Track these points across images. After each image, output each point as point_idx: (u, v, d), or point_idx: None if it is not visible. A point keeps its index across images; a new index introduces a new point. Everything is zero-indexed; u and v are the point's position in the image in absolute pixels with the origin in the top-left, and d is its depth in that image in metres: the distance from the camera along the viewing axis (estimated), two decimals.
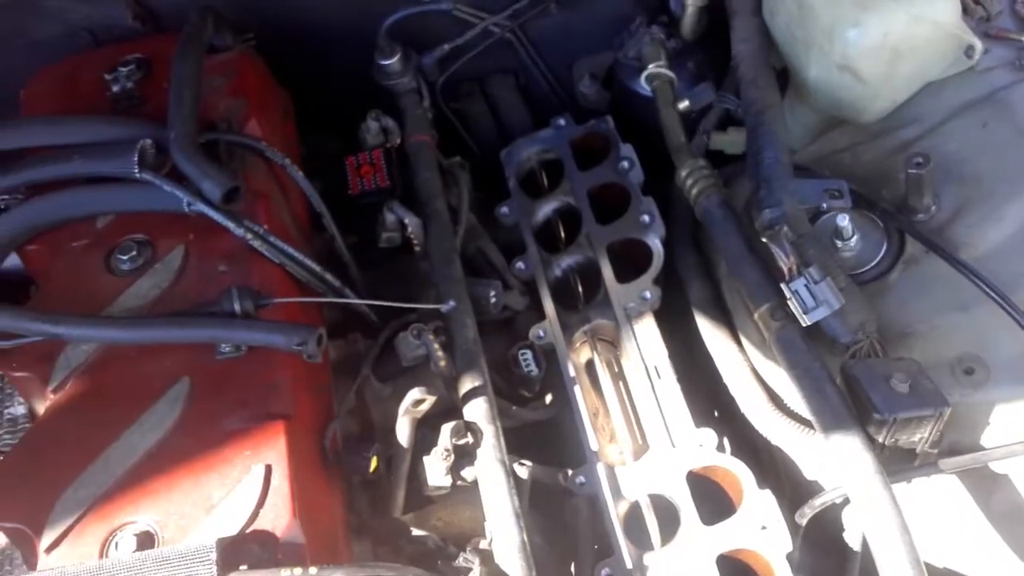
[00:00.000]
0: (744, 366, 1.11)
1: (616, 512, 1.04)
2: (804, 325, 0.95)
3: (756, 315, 1.03)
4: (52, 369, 1.00)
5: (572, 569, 1.03)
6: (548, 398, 1.18)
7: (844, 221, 1.04)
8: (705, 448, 1.06)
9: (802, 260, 0.95)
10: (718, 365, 1.14)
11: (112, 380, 0.99)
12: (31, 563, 0.89)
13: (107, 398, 0.98)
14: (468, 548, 0.95)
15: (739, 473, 1.02)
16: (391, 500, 1.01)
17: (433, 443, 1.03)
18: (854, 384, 0.93)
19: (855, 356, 0.97)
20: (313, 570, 0.84)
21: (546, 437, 1.12)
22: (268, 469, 0.91)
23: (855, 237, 1.05)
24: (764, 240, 0.99)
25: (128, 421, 0.96)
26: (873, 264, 1.06)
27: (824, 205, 1.03)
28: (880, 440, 0.92)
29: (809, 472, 1.07)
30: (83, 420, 0.98)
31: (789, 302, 0.95)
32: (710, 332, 1.16)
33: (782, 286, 0.95)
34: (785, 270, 0.95)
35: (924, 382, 0.93)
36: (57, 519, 0.90)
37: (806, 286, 0.93)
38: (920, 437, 0.93)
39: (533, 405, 1.17)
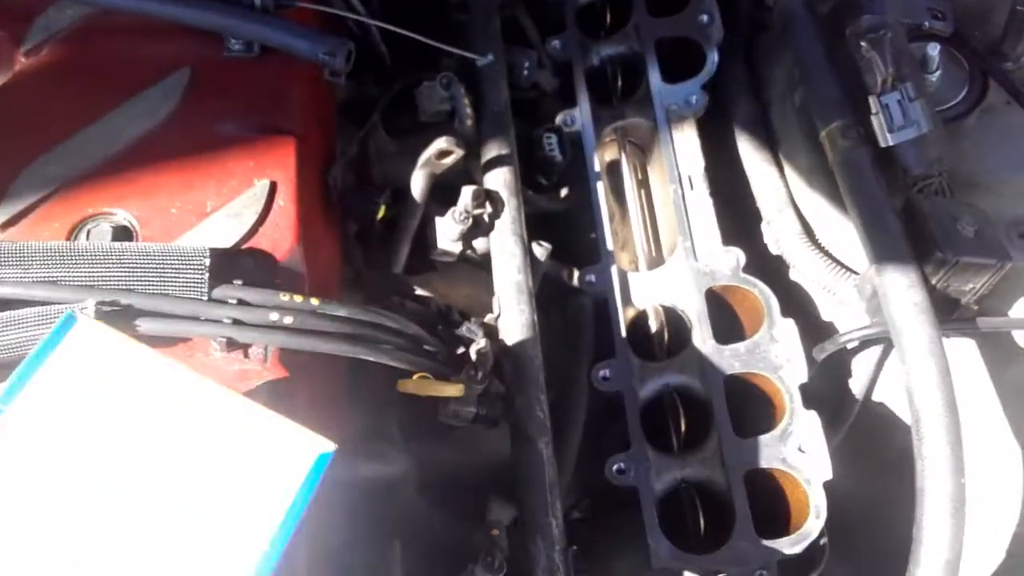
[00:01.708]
0: (782, 191, 1.03)
1: (623, 316, 0.97)
2: (883, 145, 0.87)
3: (824, 132, 0.94)
4: (27, 30, 0.85)
5: (569, 366, 0.96)
6: (564, 191, 1.08)
7: (934, 51, 0.95)
8: (731, 267, 0.98)
9: (898, 75, 0.86)
10: (754, 187, 1.06)
11: (98, 55, 0.85)
12: None
13: (90, 74, 0.85)
14: (472, 319, 0.87)
15: (764, 297, 0.96)
16: (393, 256, 0.91)
17: (441, 210, 0.94)
18: (919, 219, 0.87)
19: (922, 192, 0.90)
20: (315, 301, 0.74)
21: (555, 231, 1.03)
22: (273, 186, 0.80)
23: (939, 72, 0.96)
24: (863, 45, 0.88)
25: (112, 103, 0.83)
26: (951, 105, 0.98)
27: (926, 24, 0.94)
28: (933, 282, 0.86)
29: (827, 312, 1.02)
30: (58, 93, 0.84)
31: (875, 117, 0.86)
32: (750, 153, 1.07)
33: (871, 99, 0.86)
34: (879, 80, 0.86)
35: (990, 231, 0.86)
36: (18, 193, 0.78)
37: (899, 101, 0.84)
38: (971, 287, 0.87)
39: (549, 195, 1.07)
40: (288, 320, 0.72)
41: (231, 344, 0.72)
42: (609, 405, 0.95)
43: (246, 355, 0.73)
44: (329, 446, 0.55)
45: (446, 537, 0.79)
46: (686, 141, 1.07)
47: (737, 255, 0.99)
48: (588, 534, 0.91)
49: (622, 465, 0.90)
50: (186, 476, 0.54)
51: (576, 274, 1.00)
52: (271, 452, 0.55)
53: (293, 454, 0.55)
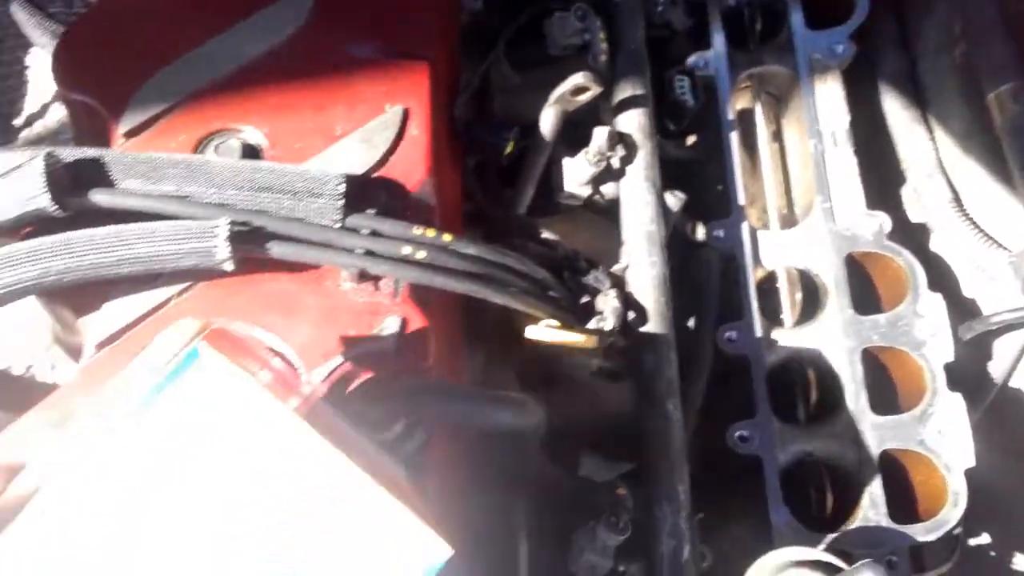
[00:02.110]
0: (931, 154, 0.96)
1: (753, 275, 0.92)
2: None
3: (993, 95, 0.87)
4: None
5: (691, 324, 0.91)
6: (692, 138, 1.02)
7: None
8: (873, 232, 0.92)
9: None
10: (899, 149, 0.99)
11: None
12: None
13: None
14: (600, 268, 0.82)
15: (910, 267, 0.89)
16: (518, 195, 0.86)
17: (567, 150, 0.88)
18: None
19: None
20: (447, 237, 0.70)
21: (680, 180, 0.97)
22: (406, 113, 0.75)
23: None
24: None
25: (236, 17, 0.78)
26: None
27: None
28: None
29: (971, 287, 0.95)
30: (181, 4, 0.80)
31: None
32: (897, 111, 1.00)
33: None
34: None
35: None
36: (142, 103, 0.74)
37: None
38: None
39: (676, 142, 1.00)
40: (420, 255, 0.68)
41: (363, 275, 0.68)
42: (727, 369, 0.90)
43: (376, 287, 0.69)
44: (446, 553, 0.48)
45: (566, 493, 0.74)
46: (830, 93, 0.99)
47: (882, 220, 0.92)
48: (702, 498, 0.86)
49: (745, 433, 0.85)
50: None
51: (701, 228, 0.95)
52: (388, 545, 0.48)
53: (410, 554, 0.48)
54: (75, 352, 0.78)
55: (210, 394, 0.48)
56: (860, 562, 0.66)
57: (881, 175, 1.00)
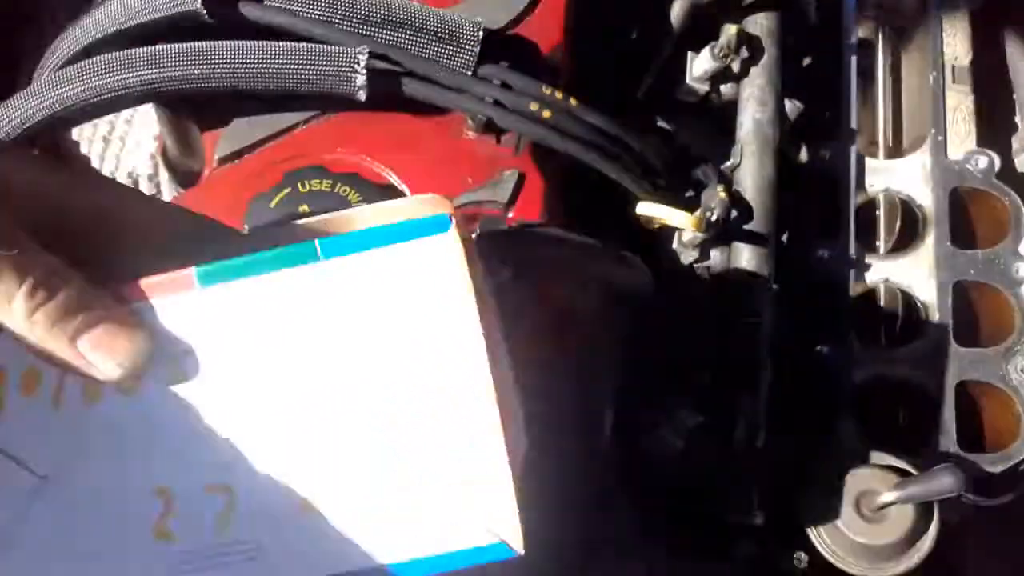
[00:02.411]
0: None
1: (854, 198, 0.91)
2: None
3: None
4: None
5: (784, 239, 0.91)
6: (807, 59, 1.01)
7: None
8: (982, 170, 0.91)
9: None
10: (1018, 94, 0.97)
11: None
12: None
13: None
14: (709, 163, 0.82)
15: (1015, 208, 0.88)
16: (639, 83, 0.86)
17: (689, 44, 0.88)
18: None
19: None
20: (573, 101, 0.71)
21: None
22: None
23: None
24: None
25: None
26: None
27: None
28: None
29: None
30: None
31: None
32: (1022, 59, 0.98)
33: None
34: None
35: None
36: None
37: None
38: None
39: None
40: (546, 114, 0.69)
41: (488, 126, 0.69)
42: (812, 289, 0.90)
43: (498, 141, 0.70)
44: (515, 552, 0.46)
45: (651, 368, 0.76)
46: (956, 30, 0.98)
47: (992, 158, 0.91)
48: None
49: (825, 349, 0.85)
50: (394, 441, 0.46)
51: (804, 150, 0.94)
52: (473, 496, 0.46)
53: (484, 524, 0.46)
54: (183, 176, 0.81)
55: (422, 270, 0.45)
56: (939, 466, 0.67)
57: (996, 121, 0.99)
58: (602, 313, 0.66)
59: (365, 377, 0.46)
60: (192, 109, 0.71)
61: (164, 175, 0.83)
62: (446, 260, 0.45)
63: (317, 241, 0.45)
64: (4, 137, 0.64)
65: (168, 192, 0.83)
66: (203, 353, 0.46)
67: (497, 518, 0.46)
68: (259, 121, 0.69)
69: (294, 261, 0.45)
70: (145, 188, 0.83)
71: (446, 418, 0.46)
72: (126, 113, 0.86)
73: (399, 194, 0.67)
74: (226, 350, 0.46)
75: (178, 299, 0.45)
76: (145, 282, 0.45)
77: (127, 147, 0.84)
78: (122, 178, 0.84)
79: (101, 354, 0.43)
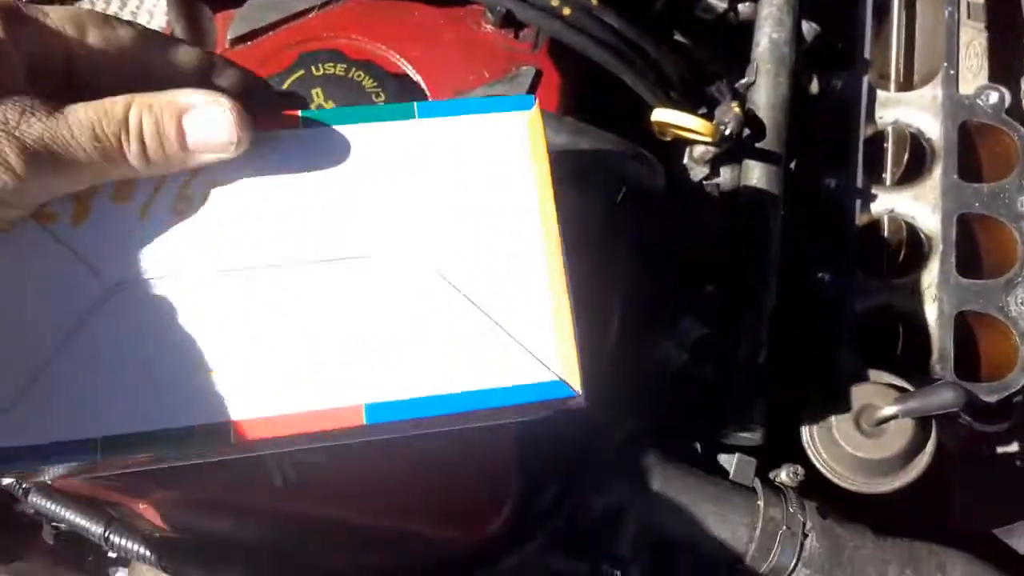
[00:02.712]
0: None
1: (864, 128, 0.91)
2: None
3: None
4: None
5: (792, 166, 0.91)
6: None
7: None
8: (993, 105, 0.90)
9: None
10: None
11: None
12: None
13: None
14: (724, 80, 0.81)
15: (1022, 143, 0.88)
16: None
17: None
18: None
19: None
20: (594, 0, 0.70)
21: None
22: None
23: None
24: None
25: None
26: None
27: None
28: None
29: None
30: None
31: None
32: None
33: None
34: None
35: None
36: None
37: None
38: None
39: None
40: (566, 11, 0.68)
41: (506, 20, 0.68)
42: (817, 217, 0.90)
43: (515, 36, 0.69)
44: (576, 395, 0.48)
45: (658, 278, 0.76)
46: None
47: (1004, 94, 0.90)
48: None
49: (826, 277, 0.85)
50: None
51: (815, 81, 0.94)
52: (535, 340, 0.49)
53: (545, 366, 0.48)
54: None
55: (506, 137, 0.50)
56: (939, 382, 0.68)
57: (1008, 59, 0.99)
58: (612, 215, 0.65)
59: (443, 226, 0.49)
60: None
61: None
62: (529, 131, 0.50)
63: (415, 103, 0.50)
64: None
65: None
66: (294, 184, 0.48)
67: (559, 359, 0.48)
68: (273, 3, 0.67)
69: (392, 116, 0.50)
70: None
71: (516, 266, 0.49)
72: (131, 4, 0.84)
73: (413, 84, 0.66)
74: (316, 183, 0.49)
75: (285, 136, 0.48)
76: (258, 118, 0.47)
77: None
78: None
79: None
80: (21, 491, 0.63)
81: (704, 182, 0.81)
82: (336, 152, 0.49)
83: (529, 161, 0.50)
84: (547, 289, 0.49)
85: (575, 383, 0.48)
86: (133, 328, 0.47)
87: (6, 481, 0.65)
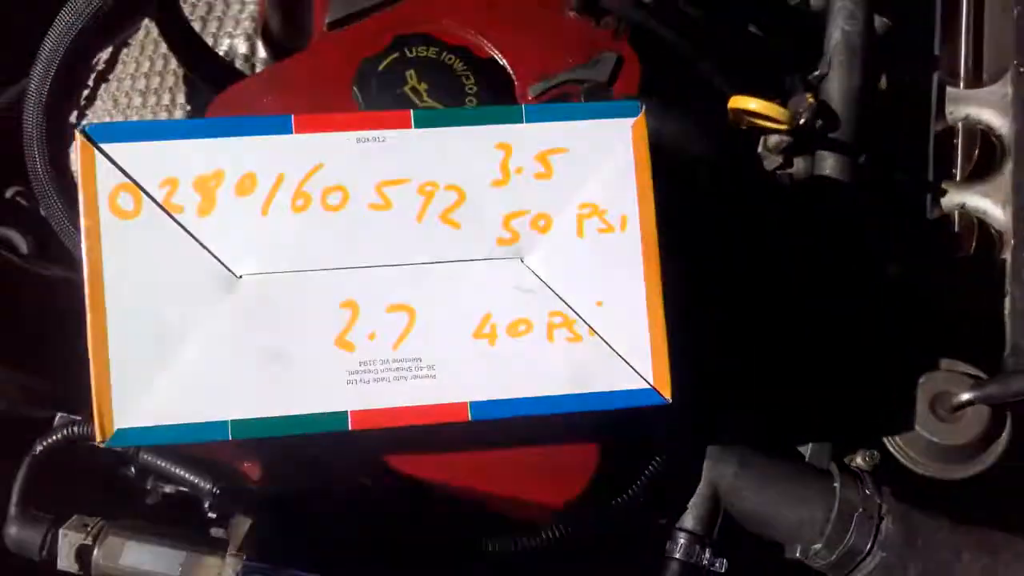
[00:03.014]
0: None
1: (934, 123, 0.92)
2: None
3: None
4: None
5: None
6: None
7: None
8: None
9: None
10: None
11: None
12: None
13: None
14: (797, 73, 0.83)
15: None
16: None
17: None
18: None
19: None
20: None
21: None
22: None
23: None
24: None
25: None
26: None
27: None
28: None
29: None
30: None
31: None
32: None
33: None
34: None
35: None
36: None
37: None
38: None
39: None
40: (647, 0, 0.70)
41: (588, 8, 0.70)
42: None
43: (597, 23, 0.71)
44: (662, 399, 0.52)
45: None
46: None
47: None
48: None
49: (898, 269, 0.86)
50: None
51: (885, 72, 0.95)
52: (630, 342, 0.52)
53: (634, 370, 0.52)
54: (282, 50, 0.82)
55: (612, 142, 0.53)
56: (1018, 370, 0.68)
57: None
58: (697, 201, 0.67)
59: (547, 230, 0.52)
60: None
61: (260, 55, 0.85)
62: (634, 137, 0.53)
63: (523, 106, 0.53)
64: None
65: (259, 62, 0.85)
66: (407, 183, 0.51)
67: (653, 368, 0.51)
68: None
69: (501, 119, 0.52)
70: (240, 67, 0.85)
71: (615, 272, 0.52)
72: None
73: (500, 68, 0.68)
74: (426, 183, 0.51)
75: (398, 134, 0.51)
76: (370, 115, 0.51)
77: (224, 26, 0.86)
78: None
79: None
80: (132, 450, 0.65)
81: (777, 171, 0.82)
82: (446, 152, 0.52)
83: (633, 167, 0.52)
84: (644, 297, 0.52)
85: (666, 391, 0.52)
86: (257, 317, 0.50)
87: None
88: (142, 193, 0.50)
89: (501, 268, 0.52)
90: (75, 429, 0.70)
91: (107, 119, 0.94)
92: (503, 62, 0.68)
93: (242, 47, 0.86)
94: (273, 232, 0.51)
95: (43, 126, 0.65)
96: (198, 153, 0.51)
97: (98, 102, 0.92)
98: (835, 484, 0.71)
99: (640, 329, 0.51)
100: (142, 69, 0.91)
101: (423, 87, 0.66)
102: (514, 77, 0.68)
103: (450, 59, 0.67)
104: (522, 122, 0.52)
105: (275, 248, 0.51)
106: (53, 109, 0.65)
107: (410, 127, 0.52)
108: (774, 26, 0.88)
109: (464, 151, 0.52)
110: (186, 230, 0.50)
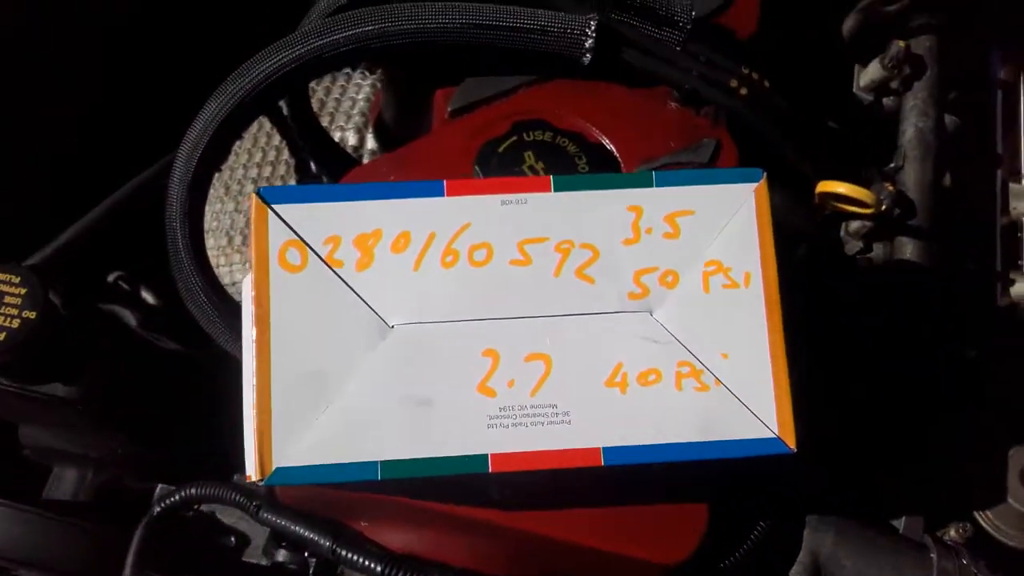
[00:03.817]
0: None
1: (1000, 217, 0.97)
2: None
3: None
4: None
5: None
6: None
7: None
8: None
9: None
10: None
11: None
12: None
13: None
14: (872, 166, 0.88)
15: None
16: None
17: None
18: None
19: None
20: (767, 83, 0.78)
21: None
22: None
23: None
24: None
25: None
26: None
27: None
28: None
29: None
30: None
31: None
32: None
33: None
34: None
35: None
36: None
37: None
38: None
39: None
40: (744, 91, 0.76)
41: (688, 99, 0.76)
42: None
43: (697, 112, 0.77)
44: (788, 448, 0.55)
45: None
46: None
47: None
48: None
49: (972, 353, 0.89)
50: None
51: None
52: (751, 389, 0.55)
53: (758, 419, 0.55)
54: (393, 140, 0.89)
55: (736, 205, 0.57)
56: None
57: None
58: (801, 271, 0.71)
59: (676, 285, 0.56)
60: (427, 71, 0.79)
61: (368, 147, 0.92)
62: (757, 200, 0.57)
63: (653, 172, 0.58)
64: (265, 78, 0.72)
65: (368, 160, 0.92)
66: (545, 241, 0.56)
67: (778, 418, 0.54)
68: (487, 81, 0.77)
69: (633, 184, 0.57)
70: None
71: (740, 326, 0.56)
72: (335, 91, 0.95)
73: (609, 154, 0.74)
74: (563, 241, 0.56)
75: (538, 197, 0.56)
76: (514, 180, 0.57)
77: (336, 120, 0.93)
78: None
79: None
80: (253, 507, 0.68)
81: (857, 256, 0.86)
82: (582, 214, 0.57)
83: (756, 228, 0.57)
84: (768, 349, 0.55)
85: (791, 441, 0.54)
86: (407, 364, 0.54)
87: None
88: (308, 249, 0.55)
89: (632, 321, 0.55)
90: (193, 491, 0.73)
91: (218, 206, 1.01)
92: (610, 146, 0.74)
93: (352, 139, 0.93)
94: (423, 285, 0.55)
95: (187, 203, 0.71)
96: (359, 214, 0.56)
97: (210, 190, 0.99)
98: (932, 555, 0.73)
99: (764, 380, 0.55)
100: (254, 159, 0.99)
101: (540, 165, 0.72)
102: (620, 159, 0.74)
103: (564, 142, 0.73)
104: (652, 186, 0.57)
105: (425, 300, 0.55)
106: (196, 187, 0.72)
107: (550, 191, 0.57)
108: (851, 121, 0.94)
109: (598, 212, 0.56)
110: (346, 283, 0.55)
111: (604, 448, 0.54)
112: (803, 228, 0.72)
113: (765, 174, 0.57)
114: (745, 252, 0.56)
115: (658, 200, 0.57)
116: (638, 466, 0.55)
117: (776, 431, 0.54)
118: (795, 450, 0.54)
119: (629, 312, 0.56)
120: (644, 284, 0.56)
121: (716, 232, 0.57)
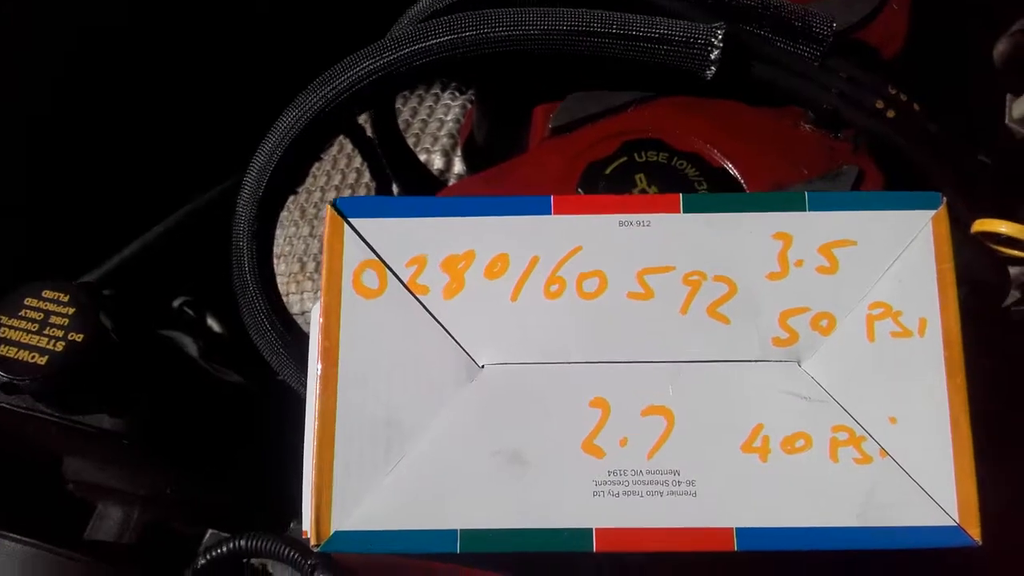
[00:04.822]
0: None
1: None
2: None
3: None
4: None
5: None
6: None
7: None
8: None
9: None
10: None
11: None
12: None
13: None
14: None
15: None
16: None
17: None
18: None
19: None
20: (917, 105, 0.68)
21: None
22: None
23: None
24: None
25: None
26: None
27: None
28: None
29: None
30: None
31: None
32: None
33: None
34: None
35: None
36: None
37: None
38: None
39: None
40: (890, 113, 0.66)
41: (824, 121, 0.66)
42: None
43: (835, 136, 0.67)
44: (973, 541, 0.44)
45: None
46: None
47: None
48: None
49: None
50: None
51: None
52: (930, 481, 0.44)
53: (940, 508, 0.44)
54: (481, 161, 0.81)
55: (906, 235, 0.46)
56: None
57: None
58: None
59: (830, 331, 0.46)
60: (525, 85, 0.71)
61: (456, 169, 0.84)
62: (935, 230, 0.46)
63: (806, 192, 0.47)
64: (348, 87, 0.65)
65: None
66: (671, 272, 0.46)
67: (958, 501, 0.43)
68: (593, 96, 0.68)
69: (780, 206, 0.47)
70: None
71: (911, 383, 0.45)
72: (423, 111, 0.88)
73: (732, 179, 0.65)
74: (693, 272, 0.46)
75: (664, 218, 0.47)
76: (635, 198, 0.48)
77: (422, 142, 0.86)
78: None
79: None
80: (308, 567, 0.60)
81: (1013, 308, 0.75)
82: (716, 240, 0.47)
83: (933, 264, 0.46)
84: (947, 412, 0.44)
85: (974, 530, 0.43)
86: (500, 413, 0.45)
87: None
88: (388, 271, 0.47)
89: (776, 372, 0.45)
90: (243, 543, 0.66)
91: (292, 230, 0.94)
92: (734, 172, 0.65)
93: (438, 162, 0.86)
94: (522, 319, 0.46)
95: (255, 220, 0.64)
96: (449, 232, 0.47)
97: (284, 212, 0.93)
98: None
99: (943, 453, 0.44)
100: (333, 182, 0.92)
101: (653, 190, 0.63)
102: (746, 187, 0.64)
103: (681, 164, 0.64)
104: (804, 210, 0.47)
105: (523, 336, 0.46)
106: (266, 204, 0.65)
107: (678, 211, 0.47)
108: (1003, 155, 0.83)
109: (737, 239, 0.47)
110: (430, 313, 0.46)
111: (737, 529, 0.43)
112: (976, 269, 0.61)
113: (945, 200, 0.47)
114: (920, 293, 0.46)
115: (812, 227, 0.47)
116: (777, 553, 0.44)
117: (956, 518, 0.43)
118: (979, 543, 0.42)
119: (773, 361, 0.46)
120: (792, 328, 0.46)
121: (884, 268, 0.46)
